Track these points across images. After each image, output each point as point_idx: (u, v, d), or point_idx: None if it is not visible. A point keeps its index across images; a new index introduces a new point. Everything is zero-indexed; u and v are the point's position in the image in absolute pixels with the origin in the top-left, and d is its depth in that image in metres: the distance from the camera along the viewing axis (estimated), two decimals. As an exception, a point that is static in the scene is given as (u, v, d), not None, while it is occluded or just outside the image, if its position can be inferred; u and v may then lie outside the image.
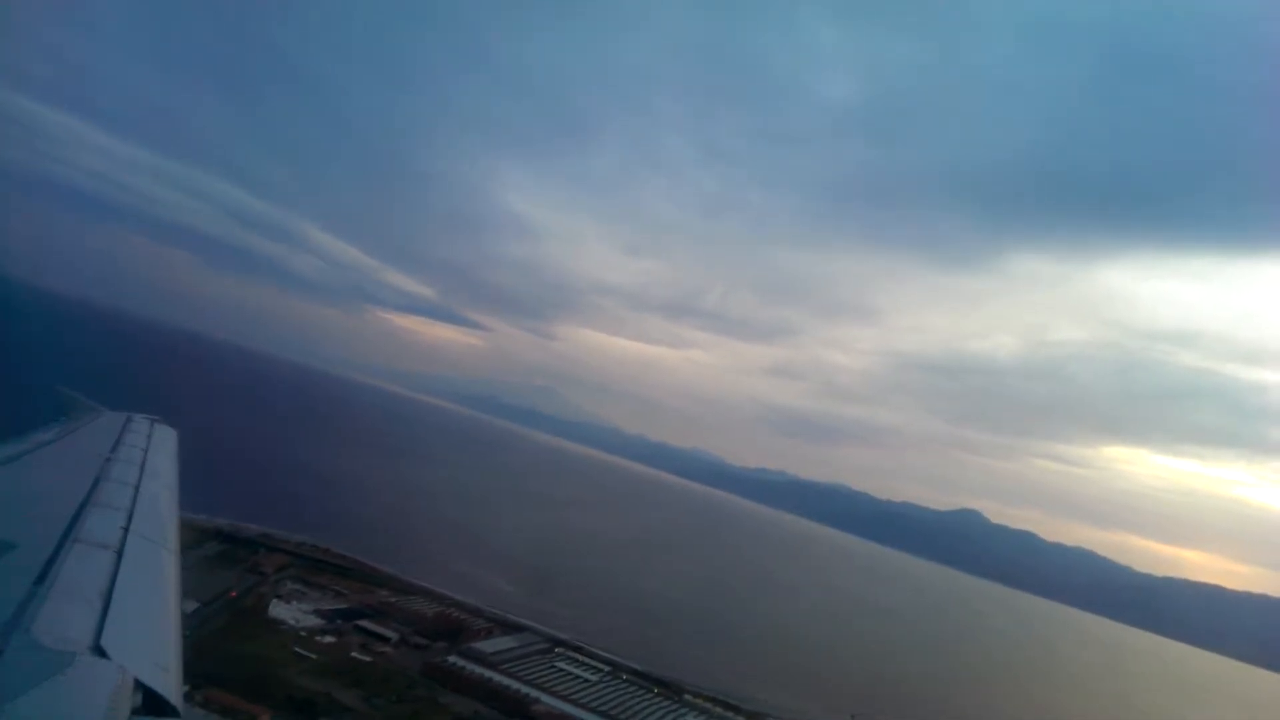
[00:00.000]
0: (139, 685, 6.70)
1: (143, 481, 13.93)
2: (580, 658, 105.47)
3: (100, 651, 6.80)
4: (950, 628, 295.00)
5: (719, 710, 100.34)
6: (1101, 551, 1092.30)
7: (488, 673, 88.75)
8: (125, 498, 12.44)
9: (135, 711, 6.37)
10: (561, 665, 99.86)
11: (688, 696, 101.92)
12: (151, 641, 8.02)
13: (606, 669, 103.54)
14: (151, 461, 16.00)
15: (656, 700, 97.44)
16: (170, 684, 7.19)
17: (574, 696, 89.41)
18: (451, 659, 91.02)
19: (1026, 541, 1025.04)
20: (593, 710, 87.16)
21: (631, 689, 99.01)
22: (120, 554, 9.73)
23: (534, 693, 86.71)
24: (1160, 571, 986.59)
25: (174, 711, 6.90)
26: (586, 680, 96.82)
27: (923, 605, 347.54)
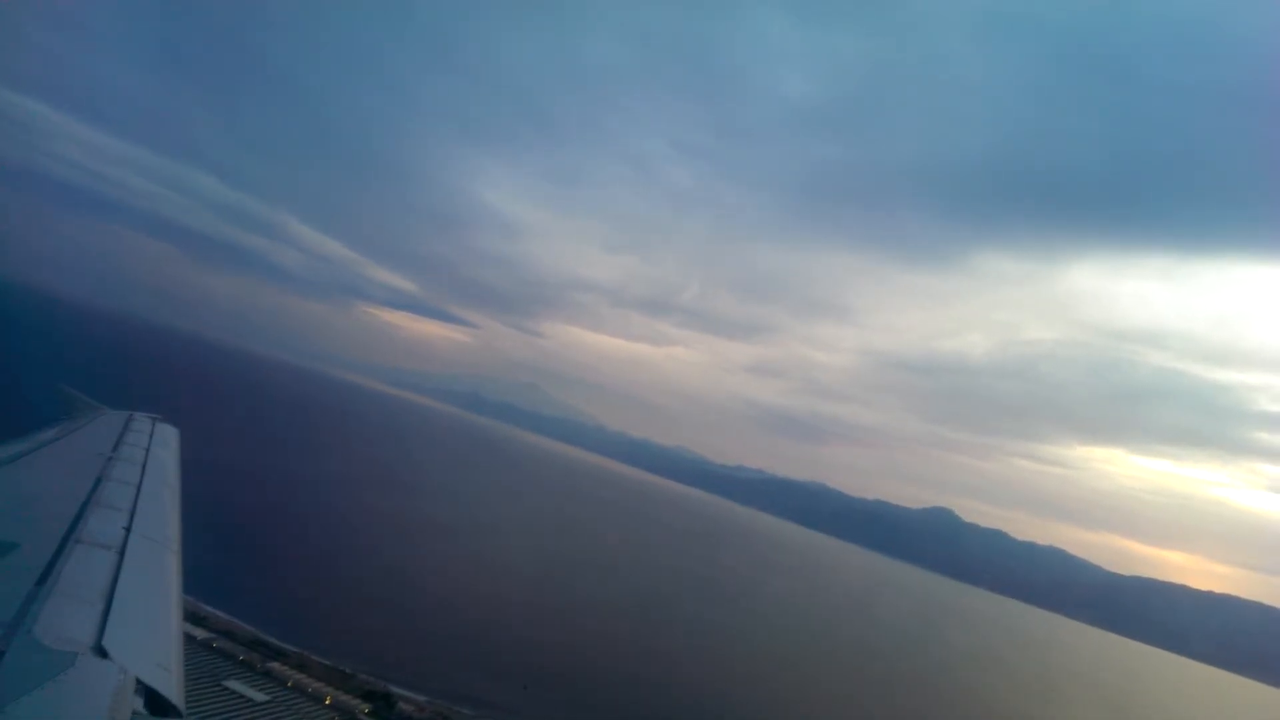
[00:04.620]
0: (141, 685, 6.73)
1: (144, 481, 13.94)
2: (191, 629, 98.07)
3: (102, 652, 6.82)
4: (812, 614, 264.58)
5: (292, 672, 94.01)
6: (1077, 551, 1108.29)
7: None
8: (127, 497, 12.45)
9: (137, 712, 6.38)
10: None
11: (273, 665, 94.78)
12: (153, 642, 8.04)
13: (214, 635, 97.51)
14: (153, 461, 16.00)
15: (226, 665, 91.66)
16: (172, 684, 7.20)
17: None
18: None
19: (996, 540, 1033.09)
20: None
21: (207, 655, 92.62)
22: (122, 554, 9.74)
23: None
24: (1136, 572, 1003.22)
25: (176, 712, 6.92)
26: None
27: (801, 593, 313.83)
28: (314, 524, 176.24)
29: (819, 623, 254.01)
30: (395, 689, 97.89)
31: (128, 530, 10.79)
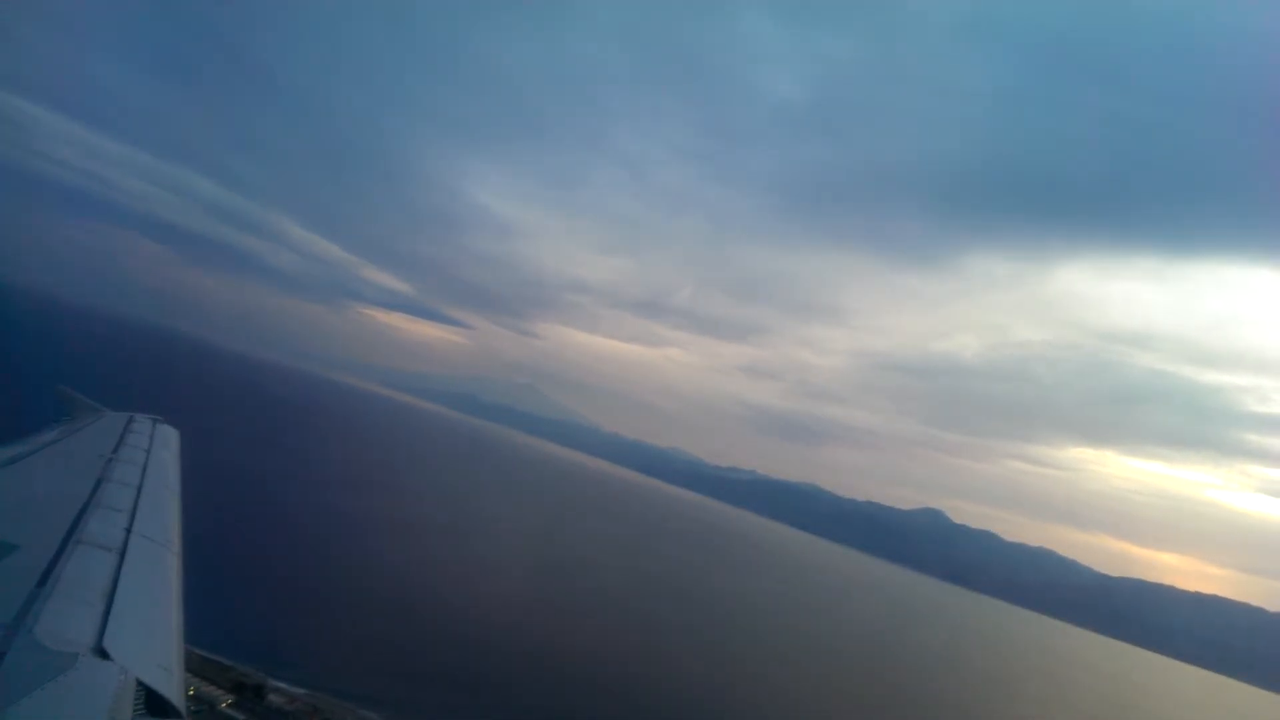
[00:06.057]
0: (141, 686, 6.72)
1: (145, 482, 13.92)
2: None
3: (102, 653, 6.81)
4: (781, 617, 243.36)
5: None
6: (1070, 553, 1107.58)
7: None
8: (127, 498, 12.44)
9: (138, 713, 6.37)
10: None
11: None
12: (154, 642, 8.03)
13: None
14: (154, 462, 15.98)
15: None
16: (173, 685, 7.19)
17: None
18: None
19: (985, 541, 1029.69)
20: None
21: None
22: (122, 555, 9.73)
23: None
24: (1129, 573, 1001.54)
25: (176, 712, 6.90)
26: None
27: (776, 595, 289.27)
28: (277, 524, 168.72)
29: (788, 626, 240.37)
30: (275, 682, 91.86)
31: (128, 531, 10.78)
